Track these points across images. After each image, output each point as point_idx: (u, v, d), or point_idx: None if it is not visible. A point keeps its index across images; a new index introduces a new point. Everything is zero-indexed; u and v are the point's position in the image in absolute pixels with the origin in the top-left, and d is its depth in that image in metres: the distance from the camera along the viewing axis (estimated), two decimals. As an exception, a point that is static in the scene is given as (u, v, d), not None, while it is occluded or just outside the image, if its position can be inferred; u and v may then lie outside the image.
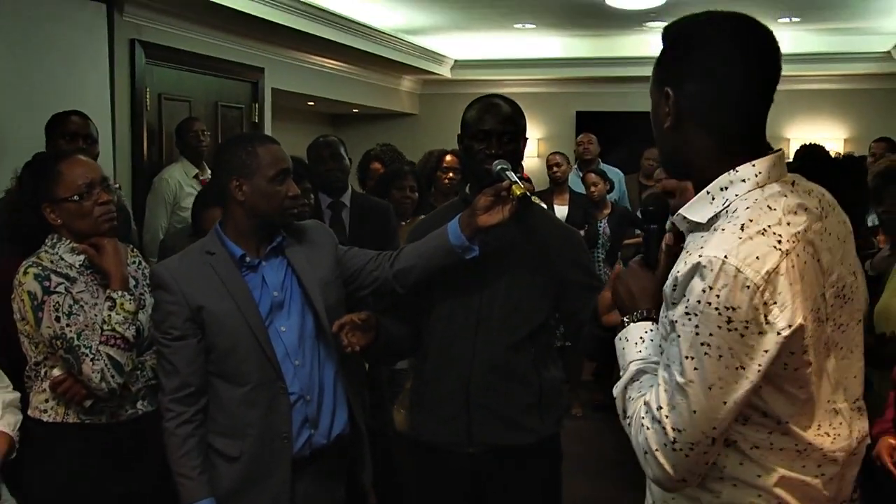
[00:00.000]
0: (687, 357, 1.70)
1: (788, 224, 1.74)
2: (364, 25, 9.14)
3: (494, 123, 2.92)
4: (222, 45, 7.71)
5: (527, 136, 3.07)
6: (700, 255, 1.69)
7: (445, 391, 3.00)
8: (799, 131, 11.12)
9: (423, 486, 3.18)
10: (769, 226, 1.71)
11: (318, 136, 5.30)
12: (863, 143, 9.22)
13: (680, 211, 1.86)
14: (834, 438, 1.83)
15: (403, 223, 5.21)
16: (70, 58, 5.81)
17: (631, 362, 1.93)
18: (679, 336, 1.71)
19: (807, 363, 1.75)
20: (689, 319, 1.69)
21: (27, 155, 3.77)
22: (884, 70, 10.76)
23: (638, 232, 6.96)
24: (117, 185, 3.15)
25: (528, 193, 2.78)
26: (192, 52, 7.30)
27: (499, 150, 2.90)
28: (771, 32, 1.85)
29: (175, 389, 2.84)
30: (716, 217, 1.79)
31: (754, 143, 1.85)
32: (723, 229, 1.72)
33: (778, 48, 1.85)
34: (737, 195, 1.78)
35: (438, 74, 11.88)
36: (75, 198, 2.90)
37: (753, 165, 1.80)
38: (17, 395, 2.93)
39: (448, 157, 6.12)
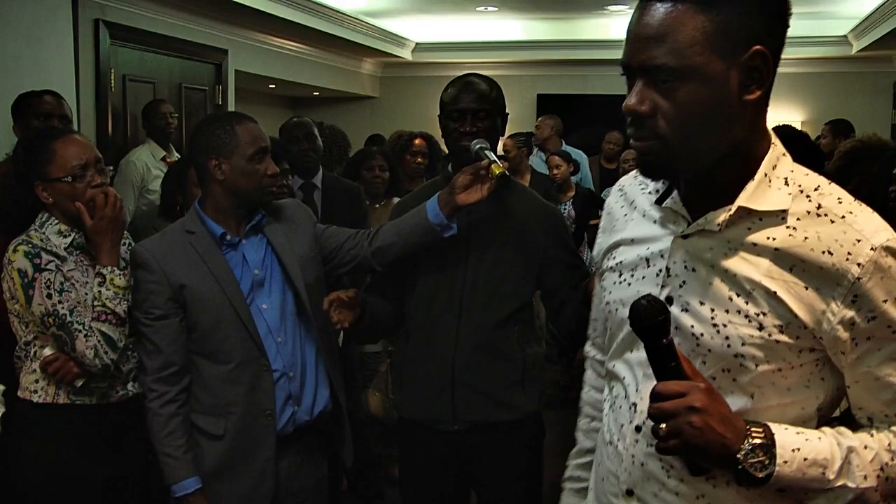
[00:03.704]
0: None
1: None
2: (326, 7, 9.12)
3: (469, 102, 2.94)
4: (186, 26, 7.66)
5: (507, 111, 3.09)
6: (871, 248, 1.51)
7: (430, 369, 3.01)
8: (757, 114, 11.26)
9: (409, 463, 3.21)
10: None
11: (284, 118, 5.29)
12: (819, 126, 9.36)
13: (746, 204, 1.57)
14: None
15: (378, 206, 5.21)
16: (34, 38, 5.72)
17: (834, 448, 1.56)
18: None
19: None
20: None
21: None
22: (840, 54, 10.97)
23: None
24: (110, 168, 3.10)
25: (506, 173, 2.80)
26: (157, 32, 7.24)
27: (473, 128, 2.92)
28: None
29: (158, 369, 2.84)
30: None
31: None
32: (849, 212, 1.55)
33: None
34: (792, 171, 1.62)
35: (400, 57, 11.88)
36: (68, 178, 2.87)
37: (772, 134, 1.66)
38: (1, 387, 2.90)
39: (417, 141, 6.12)
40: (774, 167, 1.60)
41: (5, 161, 3.47)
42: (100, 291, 2.83)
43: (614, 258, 1.81)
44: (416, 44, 11.97)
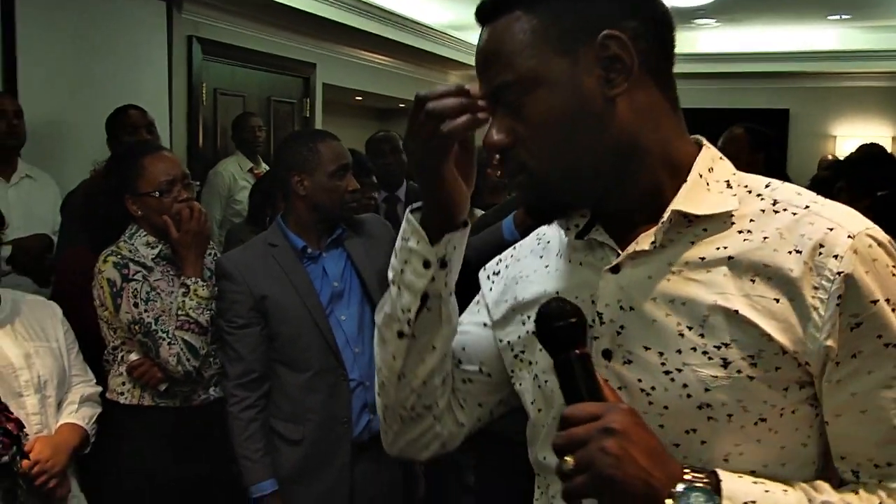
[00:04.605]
0: None
1: None
2: (413, 21, 9.25)
3: None
4: (275, 41, 7.82)
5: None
6: (848, 235, 1.17)
7: None
8: (846, 129, 11.08)
9: (485, 474, 3.27)
10: None
11: (370, 129, 5.38)
12: (912, 142, 9.21)
13: (682, 208, 1.25)
14: None
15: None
16: (131, 54, 5.96)
17: None
18: None
19: None
20: None
21: (90, 149, 3.86)
22: (933, 67, 10.71)
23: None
24: (197, 184, 3.22)
25: None
26: (247, 48, 7.44)
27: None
28: None
29: (239, 375, 2.96)
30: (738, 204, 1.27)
31: None
32: (813, 202, 1.24)
33: None
34: (734, 174, 1.31)
35: (485, 70, 11.95)
36: (156, 193, 3.00)
37: (702, 138, 1.36)
38: (98, 389, 3.01)
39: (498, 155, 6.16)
40: (711, 169, 1.30)
41: (94, 175, 3.62)
42: (184, 301, 2.95)
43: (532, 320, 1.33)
44: (502, 57, 12.04)
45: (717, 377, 1.20)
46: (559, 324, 1.18)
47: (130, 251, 3.01)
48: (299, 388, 2.97)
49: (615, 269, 1.29)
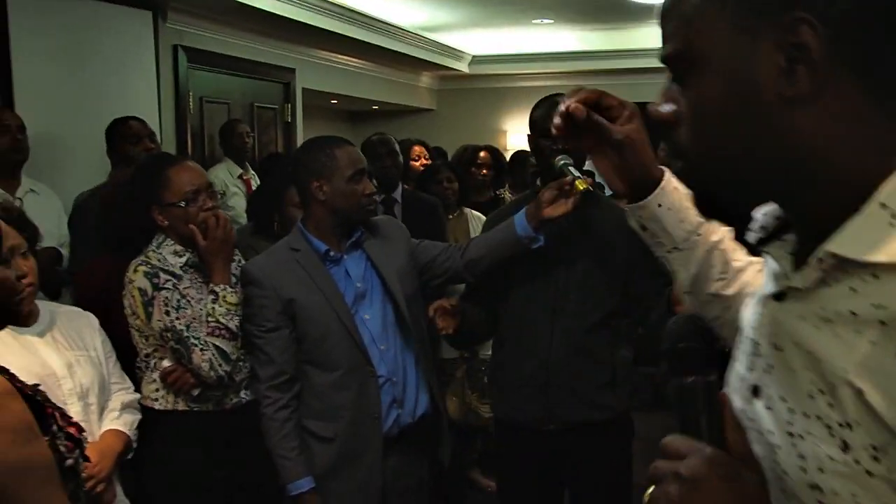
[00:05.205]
0: None
1: None
2: (386, 23, 9.33)
3: None
4: (257, 47, 7.92)
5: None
6: None
7: (525, 373, 3.18)
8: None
9: (505, 463, 3.38)
10: None
11: (344, 132, 5.47)
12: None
13: (835, 249, 0.95)
14: None
15: (451, 216, 5.39)
16: (119, 64, 6.01)
17: None
18: None
19: None
20: None
21: (86, 160, 3.87)
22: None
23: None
24: (221, 193, 3.28)
25: (590, 188, 2.96)
26: (230, 55, 7.52)
27: (565, 144, 3.08)
28: None
29: (271, 377, 3.05)
30: None
31: None
32: None
33: None
34: None
35: (457, 70, 12.03)
36: (182, 203, 3.07)
37: None
38: (137, 396, 3.09)
39: (482, 154, 6.28)
40: None
41: (106, 184, 3.68)
42: (213, 308, 3.02)
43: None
44: (473, 56, 12.11)
45: (834, 459, 0.95)
46: (681, 345, 1.03)
47: (159, 260, 3.08)
48: (329, 386, 3.06)
49: (779, 296, 1.05)
